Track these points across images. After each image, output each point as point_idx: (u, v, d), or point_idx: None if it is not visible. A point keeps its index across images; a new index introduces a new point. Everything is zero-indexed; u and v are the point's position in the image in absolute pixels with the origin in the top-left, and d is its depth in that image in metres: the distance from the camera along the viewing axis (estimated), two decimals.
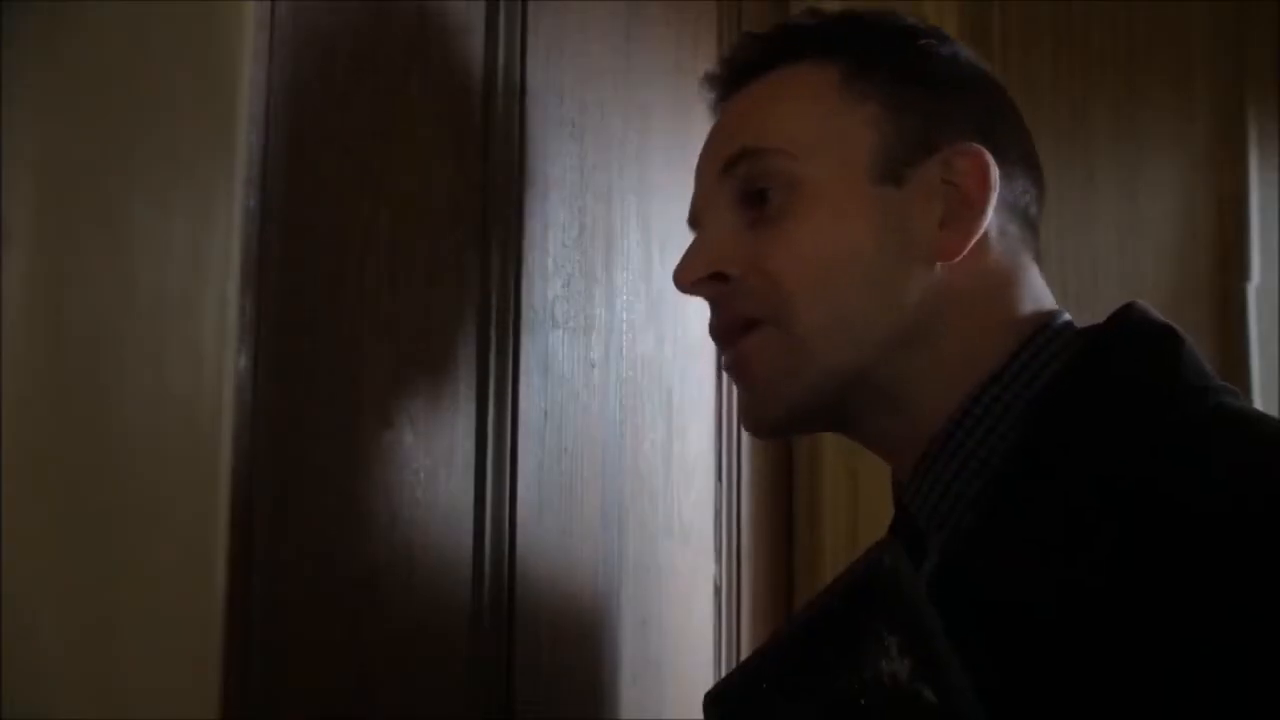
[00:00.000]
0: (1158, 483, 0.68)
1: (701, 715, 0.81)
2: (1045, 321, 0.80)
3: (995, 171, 0.80)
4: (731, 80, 0.87)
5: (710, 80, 0.89)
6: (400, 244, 0.77)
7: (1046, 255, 0.88)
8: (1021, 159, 0.84)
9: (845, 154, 0.80)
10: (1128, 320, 0.79)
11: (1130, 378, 0.75)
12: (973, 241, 0.79)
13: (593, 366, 0.99)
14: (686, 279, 0.83)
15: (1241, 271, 1.85)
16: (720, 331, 0.84)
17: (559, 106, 0.95)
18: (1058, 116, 1.67)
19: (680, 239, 1.10)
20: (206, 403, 0.58)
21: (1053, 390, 0.76)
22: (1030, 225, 0.84)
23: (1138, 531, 0.67)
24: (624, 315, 1.04)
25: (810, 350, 0.79)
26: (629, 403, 1.04)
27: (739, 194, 0.82)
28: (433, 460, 0.78)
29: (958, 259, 0.79)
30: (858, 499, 1.49)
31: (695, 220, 0.86)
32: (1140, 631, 0.65)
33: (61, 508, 0.55)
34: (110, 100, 0.58)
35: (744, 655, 1.29)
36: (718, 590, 1.25)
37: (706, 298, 0.84)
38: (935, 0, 1.45)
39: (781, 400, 0.81)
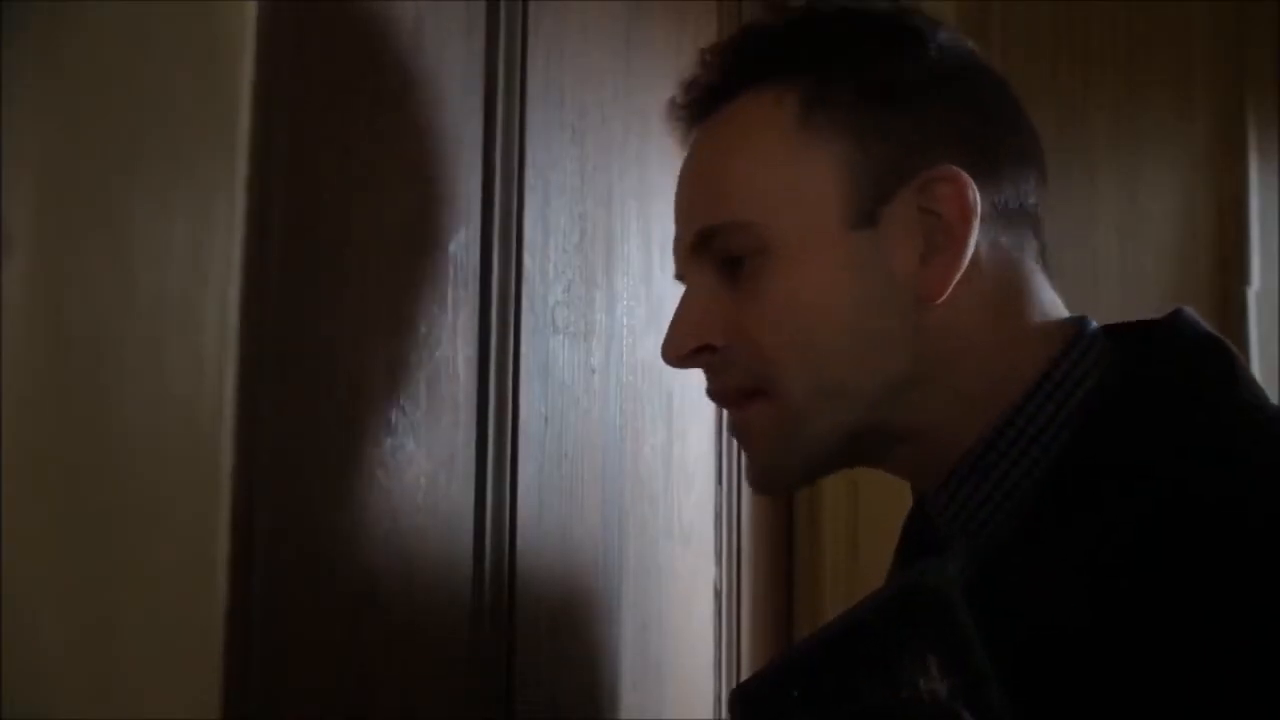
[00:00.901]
0: (1188, 483, 0.67)
1: (701, 716, 0.80)
2: (1074, 332, 0.77)
3: (975, 195, 0.75)
4: (694, 109, 0.83)
5: (674, 109, 0.85)
6: (400, 246, 0.77)
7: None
8: (1011, 154, 0.79)
9: (812, 205, 0.76)
10: (1177, 334, 0.77)
11: (1182, 393, 0.73)
12: (958, 275, 0.75)
13: (593, 372, 0.99)
14: (674, 355, 0.81)
15: (1241, 275, 1.85)
16: (717, 398, 0.83)
17: (559, 110, 0.95)
18: (1058, 117, 1.66)
19: None
20: (206, 403, 0.58)
21: (1094, 406, 0.74)
22: (1027, 221, 0.79)
23: (1164, 535, 0.66)
24: (624, 320, 1.04)
25: (805, 418, 0.77)
26: (629, 407, 1.04)
27: (715, 261, 0.79)
28: (433, 465, 0.78)
29: (944, 296, 0.75)
30: (858, 502, 1.49)
31: (680, 276, 0.84)
32: (1164, 635, 0.64)
33: (61, 508, 0.55)
34: (110, 100, 0.58)
35: (744, 658, 1.29)
36: (718, 593, 1.25)
37: (699, 367, 0.82)
38: (932, 0, 1.45)
39: (781, 469, 0.80)
